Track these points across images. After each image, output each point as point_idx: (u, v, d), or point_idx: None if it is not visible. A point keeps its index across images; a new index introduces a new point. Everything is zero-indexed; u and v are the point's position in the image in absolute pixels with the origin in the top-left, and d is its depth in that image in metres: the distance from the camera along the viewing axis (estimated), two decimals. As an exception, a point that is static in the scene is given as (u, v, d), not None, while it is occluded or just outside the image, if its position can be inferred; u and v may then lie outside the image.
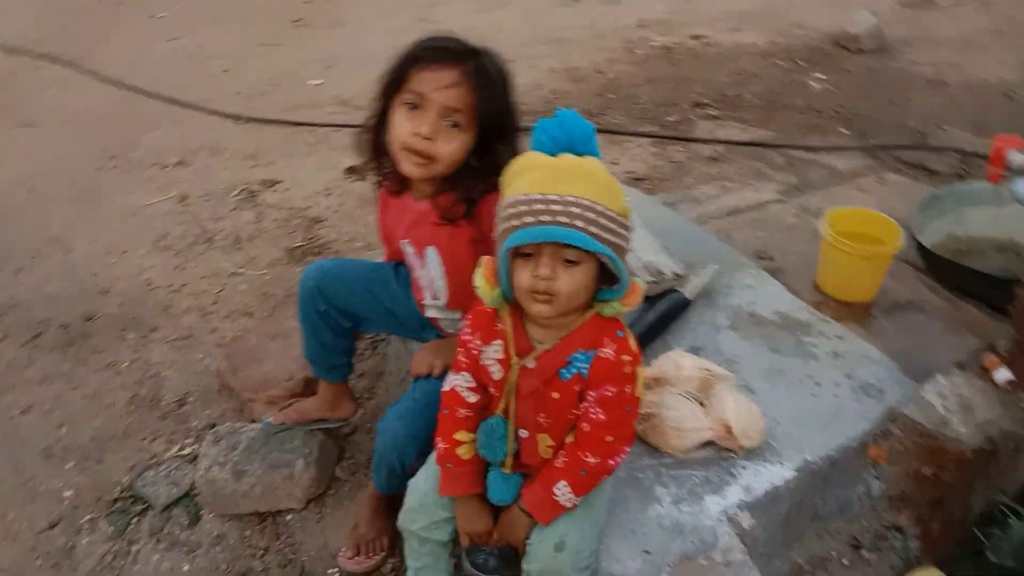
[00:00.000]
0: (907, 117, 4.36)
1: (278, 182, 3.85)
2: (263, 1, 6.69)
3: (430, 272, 1.81)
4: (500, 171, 1.40)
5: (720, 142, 4.05)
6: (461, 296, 1.74)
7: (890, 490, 1.84)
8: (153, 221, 3.56)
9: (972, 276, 2.40)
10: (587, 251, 1.29)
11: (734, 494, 1.66)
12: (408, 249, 1.84)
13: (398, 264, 1.99)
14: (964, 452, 1.80)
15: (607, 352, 1.39)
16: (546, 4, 6.50)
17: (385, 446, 1.78)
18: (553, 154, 1.33)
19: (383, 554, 1.99)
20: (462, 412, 1.55)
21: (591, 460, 1.44)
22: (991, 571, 1.87)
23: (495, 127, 1.61)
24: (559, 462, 1.47)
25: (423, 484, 1.63)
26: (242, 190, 3.78)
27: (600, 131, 4.19)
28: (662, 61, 5.28)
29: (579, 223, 1.26)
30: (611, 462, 1.46)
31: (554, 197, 1.27)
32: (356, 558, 1.99)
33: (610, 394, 1.40)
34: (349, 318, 2.00)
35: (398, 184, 1.79)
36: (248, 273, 3.16)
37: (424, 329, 1.97)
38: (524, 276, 1.33)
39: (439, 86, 1.55)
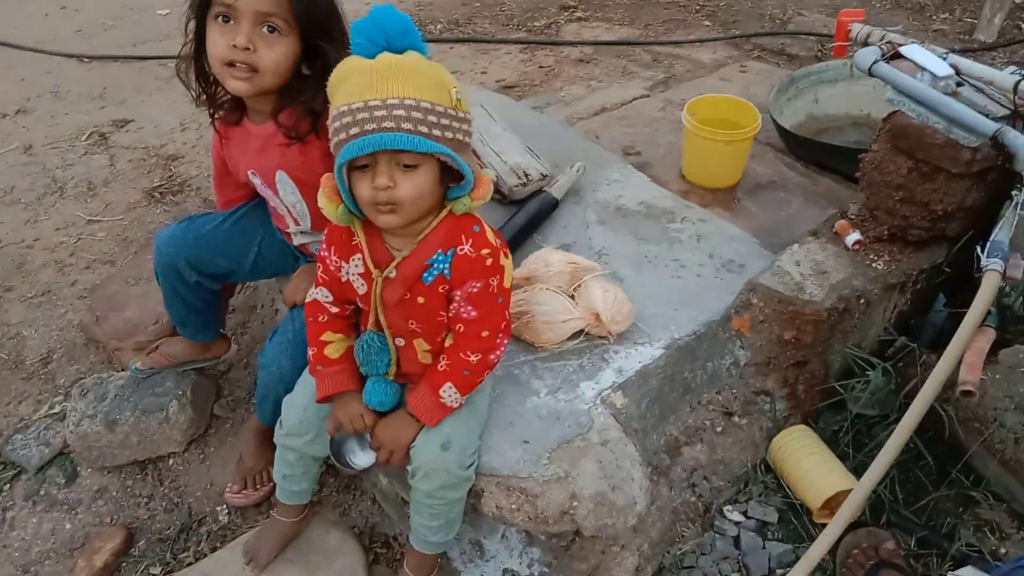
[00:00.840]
0: (768, 6, 4.43)
1: (130, 121, 3.64)
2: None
3: (288, 197, 1.72)
4: (332, 69, 1.32)
5: (588, 43, 4.02)
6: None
7: (755, 358, 1.91)
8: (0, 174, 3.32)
9: (828, 151, 2.48)
10: (423, 153, 1.24)
11: (607, 377, 1.69)
12: (256, 180, 1.73)
13: (256, 204, 1.90)
14: (820, 313, 1.87)
15: (465, 249, 1.36)
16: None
17: (270, 378, 1.73)
18: (372, 56, 1.25)
19: (270, 485, 1.96)
20: (323, 317, 1.54)
21: (472, 359, 1.44)
22: (853, 420, 1.97)
23: (319, 28, 1.51)
24: (442, 365, 1.46)
25: (301, 399, 1.61)
26: (91, 133, 3.55)
27: (467, 40, 4.14)
28: (526, -34, 5.18)
29: (406, 125, 1.20)
30: (491, 357, 1.46)
31: (376, 102, 1.21)
32: (244, 491, 1.96)
33: (475, 290, 1.38)
34: (217, 279, 1.90)
35: (234, 111, 1.68)
36: (105, 220, 3.00)
37: (297, 261, 1.91)
38: (364, 188, 1.28)
39: None
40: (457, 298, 1.40)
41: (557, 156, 2.32)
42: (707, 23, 4.28)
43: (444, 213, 1.37)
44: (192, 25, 1.54)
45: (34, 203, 3.12)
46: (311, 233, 1.81)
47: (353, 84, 1.24)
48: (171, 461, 2.09)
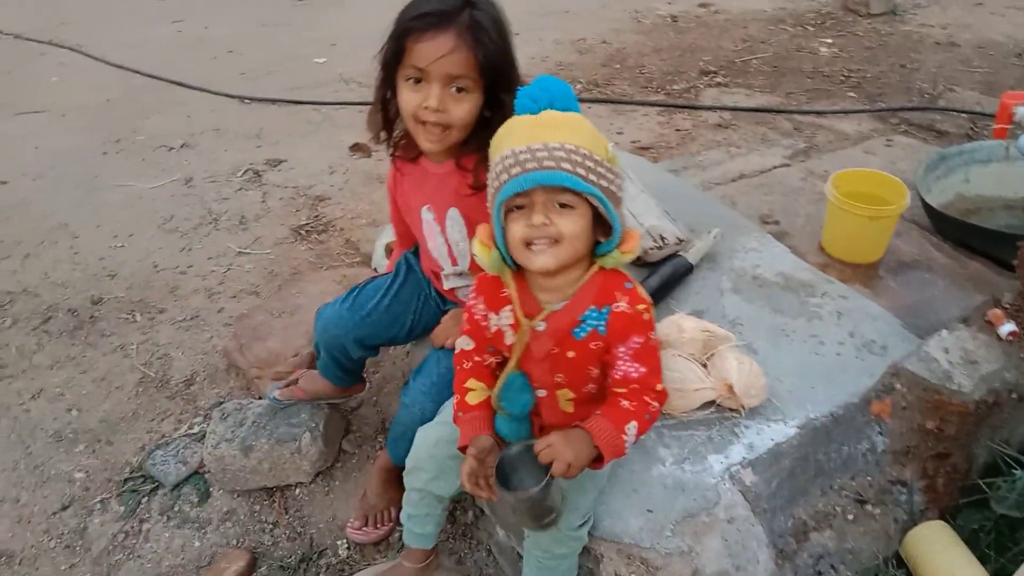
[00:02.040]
0: (916, 79, 4.31)
1: (282, 161, 3.85)
2: (265, -18, 6.69)
3: (454, 235, 1.79)
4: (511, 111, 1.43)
5: (726, 108, 4.01)
6: None
7: (894, 445, 1.83)
8: (159, 204, 3.57)
9: (978, 233, 2.37)
10: (578, 194, 1.29)
11: (737, 452, 1.65)
12: (427, 216, 1.80)
13: (409, 268, 1.99)
14: (967, 405, 1.77)
15: (622, 306, 1.38)
16: (549, -24, 6.45)
17: (411, 419, 1.78)
18: (535, 112, 1.35)
19: (391, 525, 2.00)
20: (467, 364, 1.57)
21: (653, 406, 1.43)
22: (996, 521, 1.85)
23: (501, 80, 1.58)
24: (626, 404, 1.41)
25: (433, 434, 1.65)
26: (247, 170, 3.78)
27: (606, 101, 4.20)
28: (669, 30, 5.23)
29: (565, 165, 1.27)
30: (660, 410, 1.45)
31: (538, 145, 1.28)
32: (364, 529, 2.00)
33: (638, 345, 1.39)
34: (377, 349, 2.02)
35: (413, 148, 1.76)
36: (254, 253, 3.17)
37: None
38: (518, 228, 1.33)
39: (436, 56, 1.52)
40: (621, 356, 1.40)
41: (693, 220, 2.31)
42: (852, 94, 4.20)
43: (595, 268, 1.39)
44: (380, 76, 1.64)
45: (190, 232, 3.34)
46: (465, 275, 1.86)
47: (518, 134, 1.33)
48: (297, 491, 2.16)
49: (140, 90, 4.81)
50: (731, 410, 1.73)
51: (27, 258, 3.26)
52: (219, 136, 4.16)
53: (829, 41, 4.89)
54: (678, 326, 1.80)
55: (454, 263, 1.84)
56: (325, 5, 6.10)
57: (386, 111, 1.69)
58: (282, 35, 5.55)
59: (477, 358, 1.56)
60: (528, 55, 4.91)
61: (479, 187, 1.64)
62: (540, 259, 1.34)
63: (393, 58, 1.59)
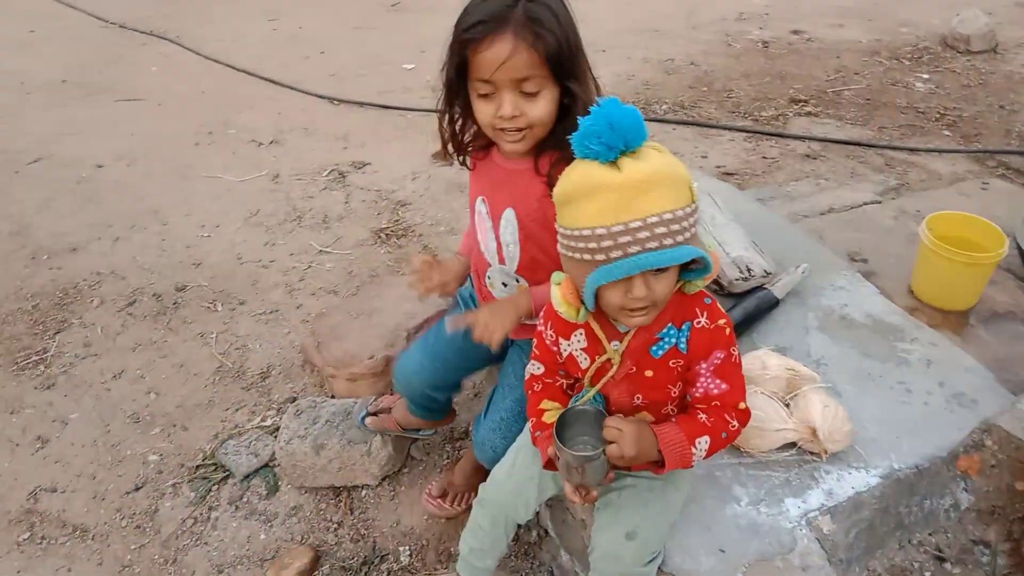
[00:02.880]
0: (1016, 122, 4.15)
1: (367, 164, 3.91)
2: (361, -14, 6.82)
3: (506, 236, 1.70)
4: (591, 97, 1.48)
5: (816, 139, 3.93)
6: (532, 265, 1.71)
7: (979, 503, 1.76)
8: (246, 198, 3.66)
9: (1082, 288, 2.27)
10: None
11: (815, 498, 1.60)
12: (481, 208, 1.73)
13: (470, 300, 1.96)
14: (1066, 471, 1.70)
15: (702, 322, 1.36)
16: (641, -7, 6.43)
17: (484, 456, 1.79)
18: (610, 160, 1.24)
19: (465, 508, 2.00)
20: (538, 386, 1.56)
21: (733, 425, 1.39)
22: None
23: (570, 72, 1.50)
24: (704, 418, 1.39)
25: (507, 461, 1.66)
26: (332, 170, 3.85)
27: (691, 124, 4.16)
28: (759, 55, 5.16)
29: (667, 241, 1.20)
30: (741, 430, 1.42)
31: (636, 224, 1.20)
32: (439, 500, 2.02)
33: (719, 361, 1.36)
34: (457, 385, 2.02)
35: (485, 138, 1.68)
36: (335, 252, 3.23)
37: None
38: (615, 296, 1.28)
39: (498, 64, 1.45)
40: (702, 373, 1.37)
41: (780, 253, 2.27)
42: (947, 132, 4.07)
43: (675, 291, 1.36)
44: (445, 92, 1.59)
45: (275, 227, 3.41)
46: (510, 275, 1.76)
47: (603, 204, 1.22)
48: (364, 493, 2.19)
49: (234, 84, 4.94)
50: (812, 453, 1.69)
51: (117, 241, 3.38)
52: (307, 135, 4.24)
53: (925, 76, 4.75)
54: (762, 362, 1.77)
55: (501, 262, 1.75)
56: (419, 11, 6.19)
57: (454, 125, 1.65)
58: (374, 39, 5.64)
59: (548, 380, 1.56)
60: (615, 72, 4.90)
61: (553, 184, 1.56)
62: (638, 320, 1.30)
63: (457, 74, 1.54)
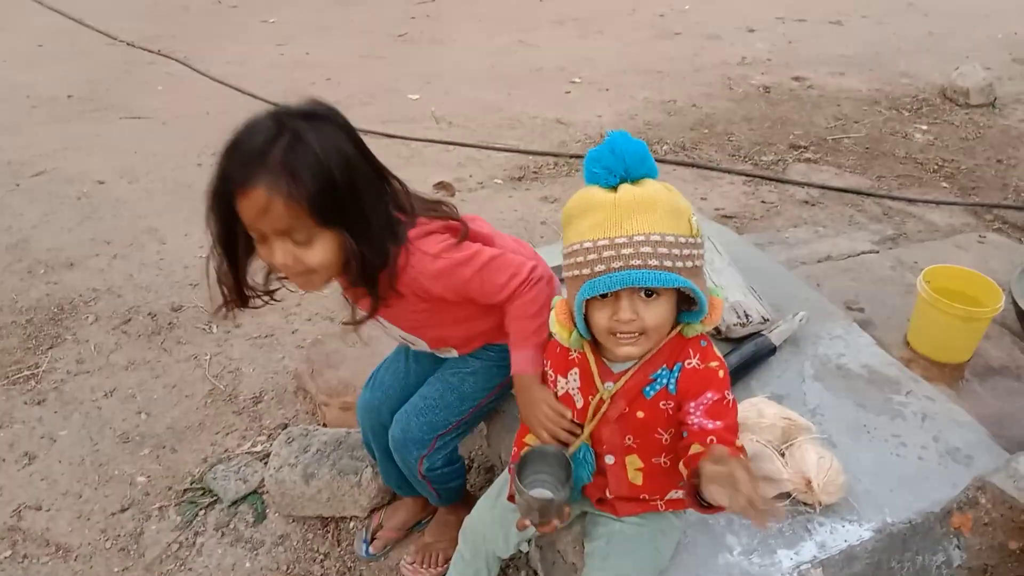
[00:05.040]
0: (1013, 176, 4.20)
1: (368, 192, 3.92)
2: (370, 14, 6.88)
3: (399, 333, 1.73)
4: (387, 231, 1.42)
5: (815, 186, 3.96)
6: (438, 337, 1.73)
7: (971, 561, 1.75)
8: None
9: (1077, 347, 2.28)
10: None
11: (808, 550, 1.59)
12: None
13: None
14: (1060, 533, 1.69)
15: (693, 362, 1.34)
16: (645, 35, 6.51)
17: (398, 453, 1.82)
18: (610, 185, 1.26)
19: (445, 567, 1.98)
20: None
21: None
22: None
23: (339, 211, 1.35)
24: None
25: (492, 494, 1.65)
26: (333, 197, 3.85)
27: (691, 165, 4.19)
28: (760, 100, 5.21)
29: (652, 261, 1.20)
30: None
31: (622, 240, 1.21)
32: (414, 565, 1.99)
33: (712, 401, 1.33)
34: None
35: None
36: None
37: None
38: (602, 318, 1.28)
39: (258, 214, 1.31)
40: (692, 411, 1.33)
41: (777, 300, 2.27)
42: (945, 184, 4.11)
43: (673, 334, 1.36)
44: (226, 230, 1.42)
45: (273, 251, 3.41)
46: (427, 350, 1.81)
47: (596, 218, 1.24)
48: (351, 524, 2.16)
49: (239, 107, 4.96)
50: (805, 504, 1.68)
51: (115, 258, 3.37)
52: (310, 160, 4.26)
53: (924, 128, 4.81)
54: (758, 410, 1.76)
55: (414, 344, 1.79)
56: (425, 42, 6.25)
57: (235, 271, 1.50)
58: (380, 68, 5.68)
59: None
60: (617, 111, 4.95)
61: (371, 313, 1.51)
62: (626, 350, 1.30)
63: (229, 212, 1.36)
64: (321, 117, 1.39)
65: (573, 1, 7.27)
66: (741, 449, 1.34)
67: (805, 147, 4.52)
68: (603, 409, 1.40)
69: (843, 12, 6.96)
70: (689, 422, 1.33)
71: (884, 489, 1.74)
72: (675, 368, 1.35)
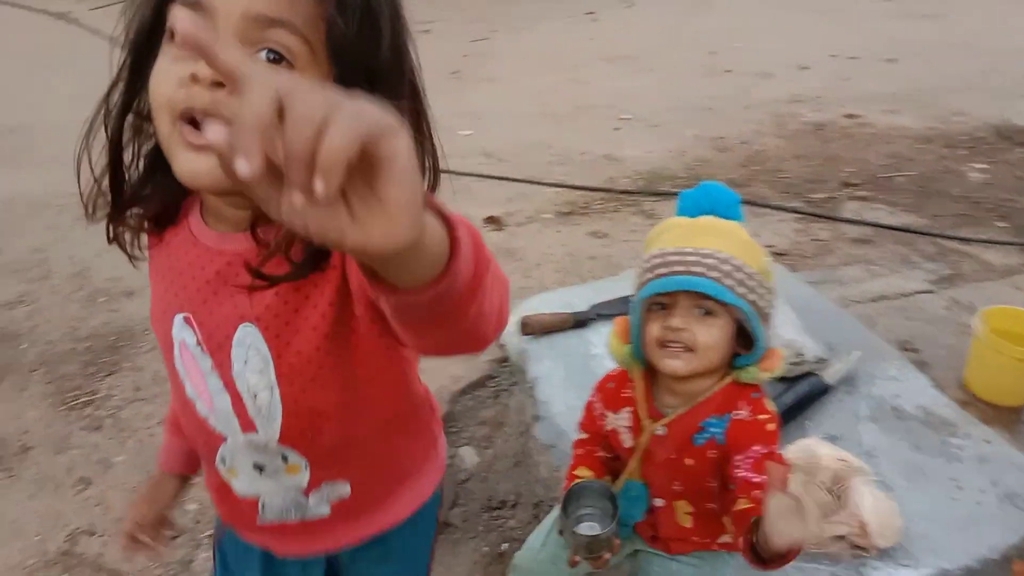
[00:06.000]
0: (1074, 216, 4.11)
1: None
2: (423, 52, 6.96)
3: (250, 377, 0.94)
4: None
5: (868, 224, 3.91)
6: (312, 425, 0.97)
7: (1035, 613, 1.70)
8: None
9: None
10: (723, 304, 1.26)
11: (863, 595, 1.57)
12: (187, 335, 0.96)
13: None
14: None
15: (742, 414, 1.34)
16: (695, 73, 6.53)
17: None
18: (694, 217, 1.34)
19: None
20: (580, 451, 1.55)
21: None
22: None
23: (369, 67, 0.83)
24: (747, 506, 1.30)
25: (544, 529, 1.64)
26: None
27: (742, 202, 4.16)
28: (812, 137, 5.18)
29: (713, 274, 1.25)
30: None
31: (689, 250, 1.27)
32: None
33: (759, 454, 1.31)
34: None
35: (172, 204, 0.97)
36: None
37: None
38: (655, 328, 1.31)
39: None
40: (738, 464, 1.32)
41: (831, 339, 2.25)
42: (1001, 224, 4.03)
43: (727, 380, 1.36)
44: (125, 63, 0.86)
45: (326, 283, 3.47)
46: (271, 450, 0.99)
47: (672, 234, 1.32)
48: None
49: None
50: (860, 548, 1.65)
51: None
52: (363, 194, 4.34)
53: (979, 166, 4.73)
54: (812, 451, 1.74)
55: (247, 429, 0.98)
56: (476, 80, 6.34)
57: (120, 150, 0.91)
58: (433, 104, 5.68)
59: (590, 448, 1.55)
60: (667, 148, 4.96)
61: (298, 272, 0.85)
62: (672, 363, 1.31)
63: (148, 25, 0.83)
64: None
65: (623, 39, 7.33)
66: None
67: (858, 185, 4.47)
68: (644, 440, 1.40)
69: (897, 50, 6.91)
70: (735, 475, 1.32)
71: (941, 534, 1.71)
72: (724, 417, 1.35)
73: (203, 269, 0.93)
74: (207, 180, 0.78)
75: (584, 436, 1.57)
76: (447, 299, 0.62)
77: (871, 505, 1.63)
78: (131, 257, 0.98)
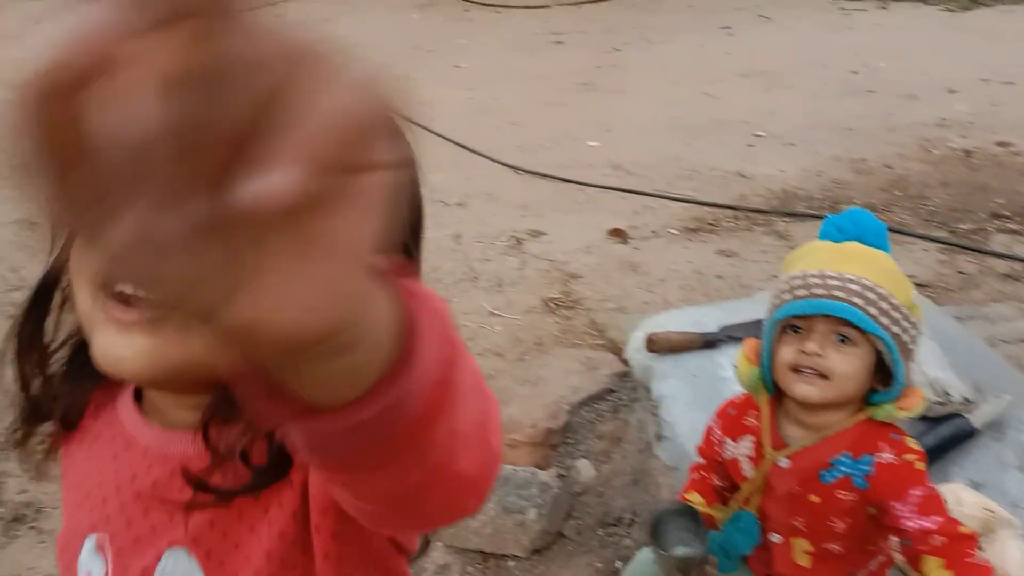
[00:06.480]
0: None
1: (544, 234, 3.99)
2: (556, 62, 7.04)
3: None
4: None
5: (1021, 259, 3.68)
6: None
7: None
8: (428, 254, 3.72)
9: None
10: (863, 332, 1.21)
11: (1007, 658, 1.46)
12: (95, 567, 0.72)
13: None
14: None
15: (886, 456, 1.29)
16: (836, 92, 6.30)
17: None
18: (839, 243, 1.30)
19: None
20: (695, 475, 1.54)
21: (973, 558, 1.28)
22: None
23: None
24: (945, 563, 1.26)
25: (643, 557, 1.60)
26: (510, 237, 3.96)
27: (881, 229, 3.98)
28: (959, 164, 4.91)
29: (856, 300, 1.21)
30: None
31: (832, 274, 1.23)
32: None
33: (920, 497, 1.27)
34: None
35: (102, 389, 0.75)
36: (505, 316, 3.29)
37: None
38: (788, 351, 1.27)
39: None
40: (905, 515, 1.27)
41: (977, 379, 2.12)
42: None
43: (861, 416, 1.31)
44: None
45: (451, 285, 3.53)
46: None
47: (815, 257, 1.29)
48: (511, 563, 2.17)
49: (429, 147, 5.18)
50: (1005, 605, 1.55)
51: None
52: (491, 200, 4.40)
53: None
54: (957, 497, 1.65)
55: None
56: (608, 91, 6.32)
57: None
58: (562, 114, 5.80)
59: (704, 474, 1.52)
60: (803, 168, 4.81)
61: (256, 484, 0.65)
62: (803, 388, 1.27)
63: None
64: None
65: (761, 54, 7.16)
66: (973, 537, 1.27)
67: (1008, 217, 4.21)
68: (764, 469, 1.36)
69: (1057, 75, 6.49)
70: (905, 527, 1.27)
71: (1098, 601, 1.58)
72: (862, 460, 1.29)
73: (135, 478, 0.70)
74: (134, 367, 0.60)
75: (701, 462, 1.54)
76: (389, 426, 0.39)
77: (1019, 560, 1.53)
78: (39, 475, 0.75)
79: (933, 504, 1.28)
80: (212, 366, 0.46)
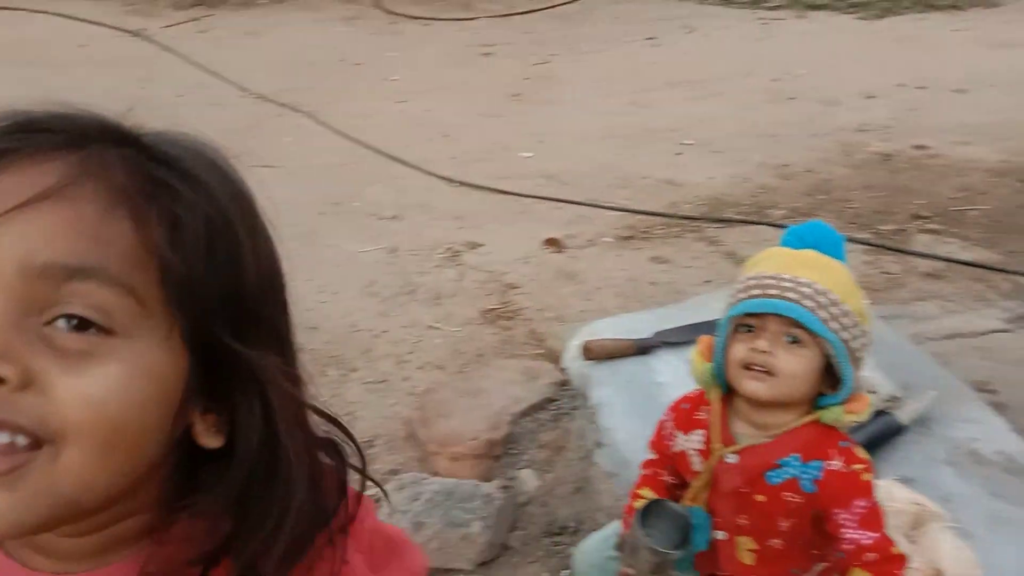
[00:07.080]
0: None
1: (481, 245, 4.00)
2: (487, 74, 7.06)
3: None
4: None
5: (942, 259, 3.81)
6: None
7: None
8: (364, 268, 3.78)
9: None
10: (812, 335, 1.25)
11: (940, 648, 1.51)
12: None
13: None
14: None
15: (835, 464, 1.33)
16: (759, 99, 6.45)
17: None
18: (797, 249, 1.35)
19: None
20: (646, 471, 1.56)
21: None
22: None
23: (231, 312, 0.60)
24: None
25: (592, 543, 1.65)
26: (447, 249, 3.95)
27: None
28: (880, 168, 5.08)
29: (807, 302, 1.25)
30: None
31: (787, 277, 1.28)
32: None
33: (863, 510, 1.32)
34: None
35: None
36: (444, 328, 3.28)
37: None
38: (740, 349, 1.32)
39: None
40: (846, 523, 1.32)
41: (904, 377, 2.20)
42: (1082, 263, 3.89)
43: (809, 418, 1.35)
44: None
45: (389, 299, 3.51)
46: None
47: (773, 262, 1.34)
48: (458, 577, 2.17)
49: (362, 159, 5.16)
50: (937, 597, 1.60)
51: (240, 299, 3.52)
52: (426, 212, 4.38)
53: (1059, 203, 4.59)
54: (888, 493, 1.69)
55: None
56: (539, 102, 6.36)
57: None
58: (495, 126, 5.82)
59: (657, 470, 1.55)
60: (730, 174, 4.91)
61: None
62: (751, 385, 1.31)
63: None
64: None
65: (687, 64, 7.29)
66: (903, 557, 1.31)
67: (928, 217, 4.37)
68: (711, 464, 1.39)
69: (968, 81, 6.74)
70: (844, 536, 1.31)
71: (1025, 587, 1.64)
72: (811, 464, 1.33)
73: None
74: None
75: (652, 457, 1.57)
76: None
77: (950, 552, 1.58)
78: None
79: (873, 519, 1.33)
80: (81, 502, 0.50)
